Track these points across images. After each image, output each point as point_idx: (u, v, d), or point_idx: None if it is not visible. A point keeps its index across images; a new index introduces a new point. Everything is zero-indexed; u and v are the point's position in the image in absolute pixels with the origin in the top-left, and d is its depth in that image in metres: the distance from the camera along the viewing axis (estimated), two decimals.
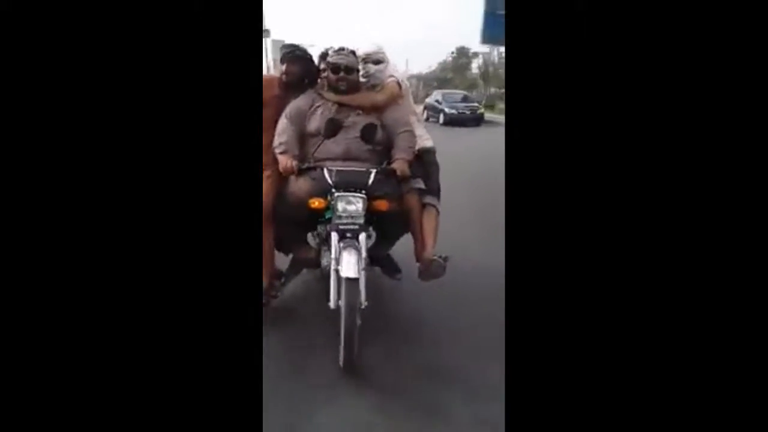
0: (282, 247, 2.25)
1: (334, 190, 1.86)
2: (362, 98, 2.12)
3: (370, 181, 1.88)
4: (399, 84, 2.19)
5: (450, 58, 30.12)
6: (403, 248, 2.34)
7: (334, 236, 1.83)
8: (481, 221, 3.74)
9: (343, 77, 2.06)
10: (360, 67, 2.14)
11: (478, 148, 9.18)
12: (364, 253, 1.83)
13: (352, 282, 1.68)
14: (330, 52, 2.13)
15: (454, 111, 14.59)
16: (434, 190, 2.24)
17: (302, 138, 2.07)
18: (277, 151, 2.02)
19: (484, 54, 24.88)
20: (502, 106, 18.05)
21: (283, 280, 2.28)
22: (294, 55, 2.18)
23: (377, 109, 2.11)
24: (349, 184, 1.86)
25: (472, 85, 23.97)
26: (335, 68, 2.06)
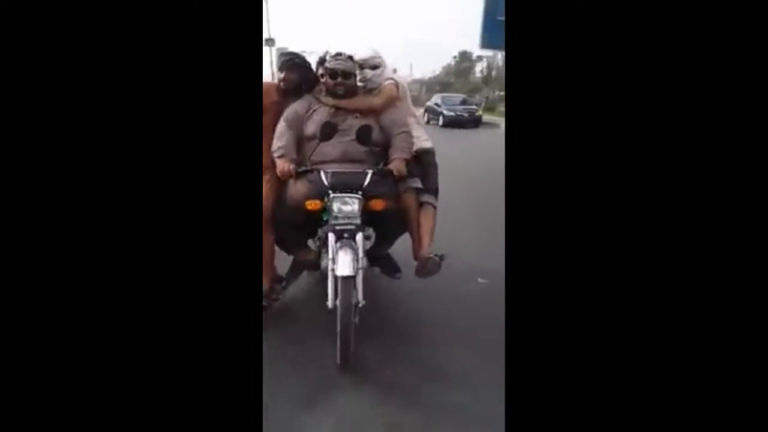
0: (283, 249, 2.25)
1: (330, 191, 1.86)
2: (359, 102, 2.12)
3: (367, 182, 1.88)
4: (396, 86, 2.18)
5: (453, 62, 30.12)
6: (401, 248, 2.33)
7: (331, 237, 1.83)
8: (479, 220, 3.72)
9: (341, 82, 2.07)
10: (357, 72, 2.14)
11: (475, 148, 9.35)
12: (361, 253, 1.83)
13: (347, 280, 1.69)
14: (327, 58, 2.14)
15: (452, 113, 14.88)
16: (432, 189, 2.23)
17: (300, 142, 2.08)
18: (275, 155, 2.02)
19: (488, 57, 24.88)
20: (502, 108, 18.11)
21: (284, 283, 2.28)
22: (292, 62, 2.20)
23: (375, 111, 2.12)
24: (344, 185, 1.86)
25: (475, 89, 23.91)
26: (333, 73, 2.07)
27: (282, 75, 2.18)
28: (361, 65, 2.15)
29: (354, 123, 2.04)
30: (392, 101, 2.16)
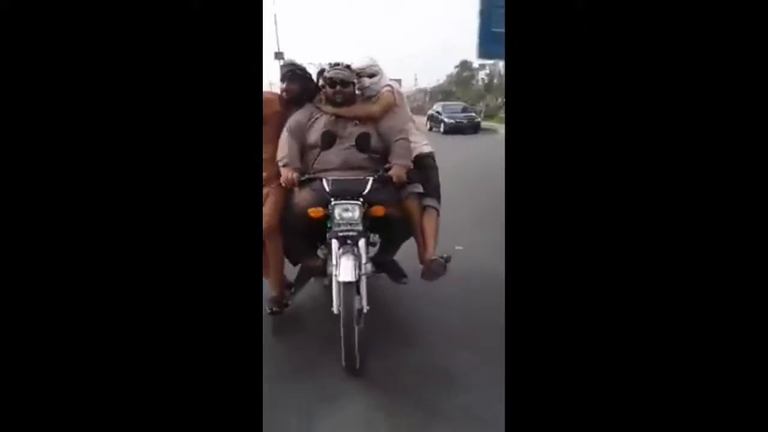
0: (291, 257, 2.25)
1: (331, 198, 1.87)
2: (358, 109, 2.14)
3: (367, 189, 1.89)
4: (393, 93, 2.19)
5: (455, 72, 30.18)
6: (404, 254, 2.32)
7: (334, 243, 1.84)
8: (478, 221, 3.69)
9: (340, 90, 2.09)
10: (355, 80, 2.16)
11: (474, 152, 9.51)
12: (364, 259, 1.83)
13: (349, 285, 1.69)
14: (327, 68, 2.16)
15: (453, 121, 15.28)
16: (433, 192, 2.23)
17: (303, 150, 2.09)
18: (279, 164, 2.04)
19: (489, 65, 24.86)
20: (502, 115, 18.25)
21: (293, 290, 2.28)
22: (293, 73, 2.22)
23: (373, 118, 2.13)
24: (345, 192, 1.87)
25: (477, 97, 23.90)
26: (332, 82, 2.09)
27: (284, 85, 2.20)
28: (359, 74, 2.17)
29: (354, 131, 2.05)
30: (390, 108, 2.17)
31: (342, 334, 1.69)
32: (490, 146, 10.30)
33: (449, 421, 1.55)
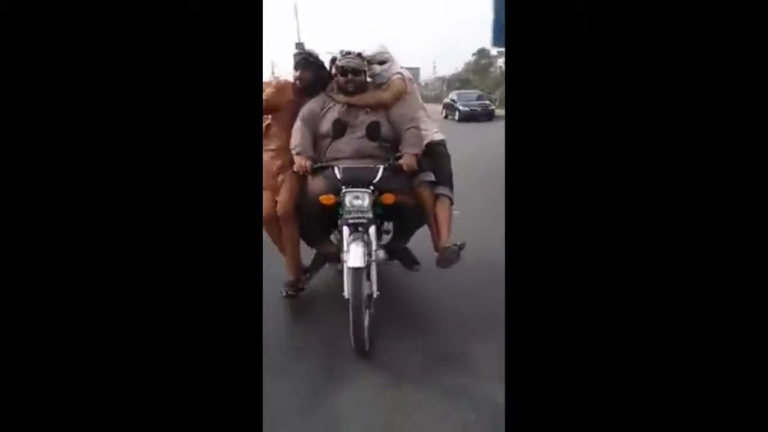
0: (307, 241, 2.27)
1: (342, 186, 1.87)
2: (369, 97, 2.12)
3: (378, 177, 1.89)
4: (404, 80, 2.16)
5: (472, 60, 29.62)
6: (416, 242, 2.32)
7: (345, 230, 1.85)
8: (490, 207, 3.66)
9: (351, 79, 2.08)
10: (366, 68, 2.14)
11: (488, 140, 9.31)
12: (374, 246, 1.84)
13: (358, 271, 1.70)
14: (338, 57, 2.13)
15: (467, 109, 15.35)
16: (446, 180, 2.20)
17: (316, 139, 2.10)
18: (293, 152, 2.05)
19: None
20: None
21: (308, 274, 2.31)
22: (306, 61, 2.21)
23: (384, 106, 2.11)
24: (356, 180, 1.88)
25: (497, 84, 23.39)
26: (343, 71, 2.09)
27: (297, 73, 2.20)
28: (369, 61, 2.14)
29: (365, 119, 2.04)
30: (401, 95, 2.15)
31: (351, 318, 1.71)
32: (500, 133, 10.26)
33: (452, 400, 1.57)
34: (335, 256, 2.18)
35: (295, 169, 1.99)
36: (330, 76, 2.20)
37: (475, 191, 4.12)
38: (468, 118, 14.95)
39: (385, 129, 2.05)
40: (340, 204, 1.90)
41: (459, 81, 27.65)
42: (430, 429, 1.46)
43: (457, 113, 15.55)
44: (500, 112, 16.37)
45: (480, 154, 6.74)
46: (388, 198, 1.91)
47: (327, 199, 1.90)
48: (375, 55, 2.15)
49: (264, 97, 2.25)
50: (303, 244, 2.24)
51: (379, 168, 1.91)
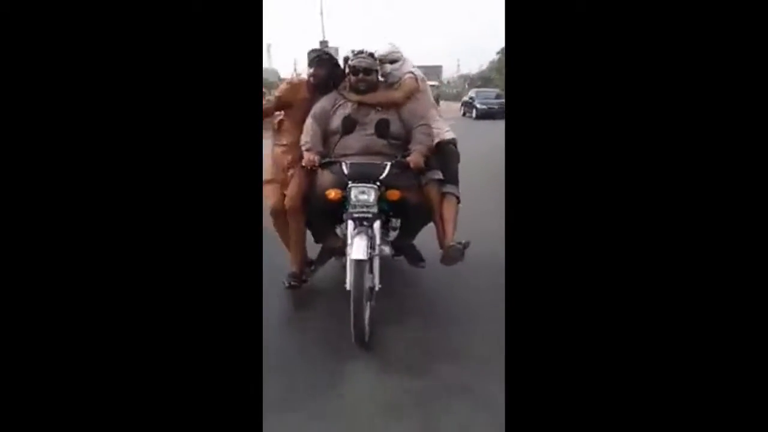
0: (315, 236, 2.29)
1: (349, 181, 1.88)
2: (380, 96, 2.12)
3: (385, 173, 1.89)
4: (416, 79, 2.14)
5: (496, 58, 29.08)
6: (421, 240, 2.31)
7: (350, 224, 1.86)
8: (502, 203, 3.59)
9: (363, 78, 2.08)
10: (378, 67, 2.13)
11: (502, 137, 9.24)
12: (378, 240, 1.84)
13: (360, 263, 1.71)
14: (351, 56, 2.13)
15: (485, 107, 15.75)
16: (453, 179, 2.20)
17: (326, 136, 2.11)
18: (303, 148, 2.07)
19: None
20: None
21: (313, 267, 2.34)
22: (319, 58, 2.20)
23: (395, 105, 2.11)
24: (362, 175, 1.88)
25: None
26: (355, 70, 2.09)
27: (311, 71, 2.19)
28: (381, 60, 2.14)
29: (375, 117, 2.04)
30: (412, 94, 2.14)
31: (352, 309, 1.72)
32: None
33: (448, 392, 1.56)
34: (341, 251, 2.19)
35: (304, 164, 2.00)
36: (344, 74, 2.19)
37: (488, 187, 4.07)
38: (485, 115, 15.23)
39: (395, 127, 2.05)
40: (346, 199, 1.90)
41: (481, 79, 27.25)
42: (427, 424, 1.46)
43: (474, 111, 16.04)
44: None
45: (495, 152, 6.66)
46: (394, 194, 1.92)
47: (334, 194, 1.91)
48: (387, 55, 2.15)
49: (278, 93, 2.26)
50: (309, 239, 2.26)
51: (386, 164, 1.91)
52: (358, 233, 1.80)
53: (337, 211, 2.04)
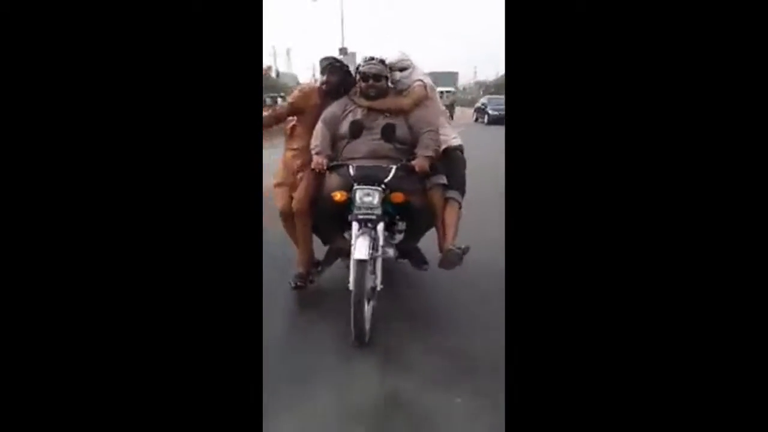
0: (322, 237, 2.32)
1: (354, 183, 1.91)
2: (389, 102, 2.15)
3: (390, 176, 1.92)
4: (425, 87, 2.16)
5: None
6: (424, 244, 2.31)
7: (355, 225, 1.89)
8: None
9: (372, 84, 2.12)
10: (388, 74, 2.16)
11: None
12: (381, 241, 1.87)
13: (361, 263, 1.74)
14: (362, 63, 2.16)
15: (497, 113, 16.01)
16: (457, 185, 2.21)
17: (335, 140, 2.14)
18: (312, 151, 2.11)
19: None
20: None
21: (319, 268, 2.37)
22: (332, 66, 2.23)
23: (403, 111, 2.13)
24: (368, 178, 1.91)
25: None
26: (365, 77, 2.13)
27: (323, 78, 2.22)
28: (391, 68, 2.17)
29: (383, 122, 2.07)
30: (420, 101, 2.16)
31: (352, 308, 1.73)
32: None
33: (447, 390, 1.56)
34: (347, 252, 2.20)
35: (312, 167, 2.04)
36: (355, 82, 2.23)
37: (496, 191, 4.03)
38: (497, 121, 15.51)
39: (402, 132, 2.07)
40: (351, 201, 1.93)
41: (496, 86, 27.05)
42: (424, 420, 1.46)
43: (486, 116, 16.41)
44: None
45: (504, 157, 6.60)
46: (398, 197, 1.94)
47: (340, 196, 1.94)
48: (396, 62, 2.18)
49: (290, 100, 2.30)
50: (317, 240, 2.29)
51: (391, 168, 1.94)
52: (362, 234, 1.82)
53: (344, 213, 2.06)
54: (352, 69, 2.24)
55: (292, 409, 1.49)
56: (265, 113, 2.38)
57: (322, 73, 2.26)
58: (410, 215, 2.12)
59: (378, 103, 2.11)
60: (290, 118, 2.31)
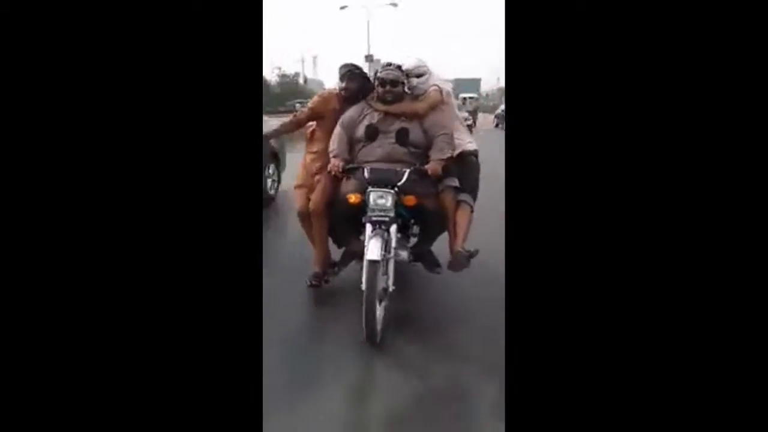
0: (337, 239, 2.35)
1: (369, 186, 1.93)
2: (405, 107, 2.17)
3: (403, 180, 1.94)
4: (441, 92, 2.17)
5: None
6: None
7: (368, 227, 1.91)
8: None
9: (389, 89, 2.15)
10: (405, 80, 2.19)
11: None
12: (394, 243, 1.88)
13: (374, 264, 1.75)
14: (380, 69, 2.19)
15: None
16: (470, 188, 2.21)
17: (352, 143, 2.18)
18: (330, 155, 2.16)
19: None
20: None
21: (336, 269, 2.39)
22: (351, 73, 2.27)
23: (418, 115, 2.15)
24: (381, 181, 1.94)
25: None
26: (382, 82, 2.16)
27: (342, 84, 2.26)
28: (408, 74, 2.19)
29: (399, 126, 2.10)
30: (436, 106, 2.18)
31: (364, 309, 1.75)
32: None
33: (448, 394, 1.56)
34: (361, 255, 2.22)
35: (329, 170, 2.08)
36: (373, 88, 2.26)
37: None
38: None
39: (417, 136, 2.09)
40: (365, 203, 1.95)
41: None
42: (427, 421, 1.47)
43: (505, 123, 16.03)
44: None
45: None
46: (410, 200, 1.96)
47: (354, 198, 1.97)
48: (413, 69, 2.21)
49: (310, 105, 2.35)
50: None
51: (404, 171, 1.96)
52: (375, 235, 1.84)
53: (359, 215, 2.09)
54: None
55: (293, 408, 1.51)
56: (287, 119, 2.44)
57: (342, 79, 2.31)
58: (423, 218, 2.14)
59: (394, 108, 2.13)
60: (310, 123, 2.36)
